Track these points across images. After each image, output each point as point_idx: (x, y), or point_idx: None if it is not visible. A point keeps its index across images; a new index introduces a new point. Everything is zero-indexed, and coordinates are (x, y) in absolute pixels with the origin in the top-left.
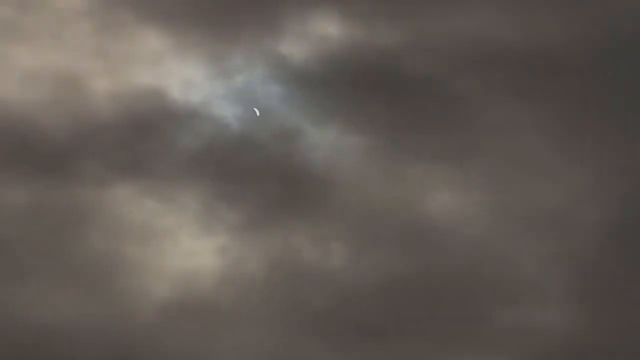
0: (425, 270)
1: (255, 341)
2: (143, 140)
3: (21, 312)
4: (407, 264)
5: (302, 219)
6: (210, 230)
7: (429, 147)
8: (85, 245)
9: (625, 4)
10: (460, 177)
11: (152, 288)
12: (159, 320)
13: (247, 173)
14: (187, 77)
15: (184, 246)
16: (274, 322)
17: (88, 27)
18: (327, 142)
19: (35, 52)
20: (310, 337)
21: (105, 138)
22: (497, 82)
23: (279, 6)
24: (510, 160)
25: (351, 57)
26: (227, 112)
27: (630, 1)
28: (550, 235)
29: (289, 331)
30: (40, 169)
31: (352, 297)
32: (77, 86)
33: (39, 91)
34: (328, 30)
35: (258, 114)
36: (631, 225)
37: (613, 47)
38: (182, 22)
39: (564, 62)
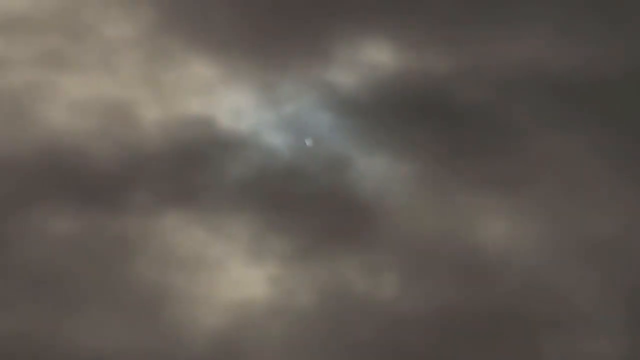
0: (477, 302)
1: None
2: (192, 169)
3: (70, 342)
4: (459, 294)
5: (352, 249)
6: (260, 260)
7: (481, 176)
8: (134, 276)
9: None
10: (512, 206)
11: (201, 318)
12: (208, 351)
13: (296, 202)
14: (236, 105)
15: (233, 276)
16: (322, 352)
17: (137, 56)
18: (377, 171)
19: (85, 81)
20: None
21: (154, 167)
22: (550, 110)
23: (329, 34)
24: (563, 189)
25: (401, 84)
26: (277, 140)
27: None
28: (604, 266)
29: None
30: (89, 199)
31: (402, 329)
32: (127, 115)
33: (88, 121)
34: (378, 57)
35: (309, 144)
36: None
37: None
38: (232, 50)
39: (618, 90)
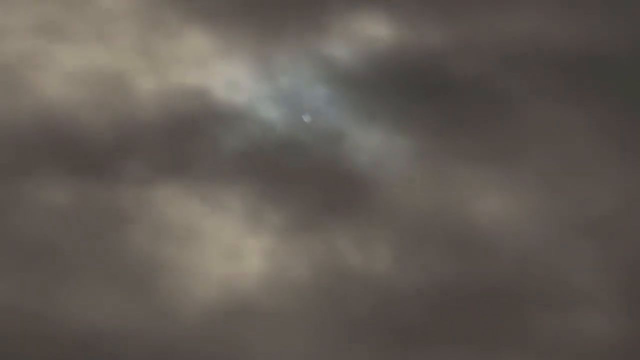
0: (471, 276)
1: (298, 345)
2: (187, 140)
3: (63, 312)
4: (453, 268)
5: (347, 221)
6: (254, 232)
7: (477, 150)
8: (127, 246)
9: None
10: (508, 181)
11: (194, 290)
12: (201, 322)
13: (291, 175)
14: (232, 77)
15: (227, 248)
16: (316, 326)
17: (133, 27)
18: (373, 144)
19: (80, 51)
20: (353, 341)
21: (149, 138)
22: (547, 84)
23: (325, 7)
24: (560, 164)
25: (398, 58)
26: (272, 113)
27: None
28: (600, 241)
29: (331, 335)
30: (83, 168)
31: (396, 302)
32: (122, 86)
33: (83, 91)
34: (374, 31)
35: (307, 120)
36: None
37: None
38: (227, 22)
39: (614, 64)
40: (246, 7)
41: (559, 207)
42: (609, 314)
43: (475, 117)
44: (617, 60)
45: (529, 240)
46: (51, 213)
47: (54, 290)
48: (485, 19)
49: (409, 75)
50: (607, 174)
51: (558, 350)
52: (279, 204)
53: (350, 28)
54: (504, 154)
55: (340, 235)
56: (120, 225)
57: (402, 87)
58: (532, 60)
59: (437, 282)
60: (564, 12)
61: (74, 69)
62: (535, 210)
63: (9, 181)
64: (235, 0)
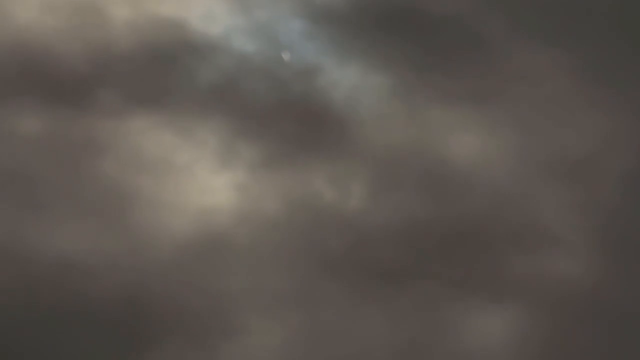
0: (444, 214)
1: (271, 281)
2: (162, 72)
3: (34, 243)
4: (427, 207)
5: (322, 158)
6: (228, 166)
7: (454, 89)
8: (99, 178)
9: None
10: (484, 121)
11: (167, 223)
12: (173, 257)
13: (266, 110)
14: (208, 9)
15: (201, 182)
16: (290, 262)
17: None
18: (349, 81)
19: None
20: (326, 278)
21: (123, 68)
22: (527, 23)
23: None
24: (535, 105)
25: None
26: (248, 47)
27: None
28: (572, 184)
29: (304, 272)
30: (56, 98)
31: (370, 239)
32: (96, 14)
33: (56, 18)
34: None
35: (287, 57)
36: None
37: None
38: None
39: (591, 7)
40: None
41: (535, 148)
42: (581, 258)
43: (453, 56)
44: (595, 2)
45: (504, 180)
46: (23, 142)
47: (25, 221)
48: None
49: (387, 12)
50: (584, 117)
51: (529, 291)
52: (253, 139)
53: None
54: (481, 93)
55: (315, 171)
56: (93, 156)
57: (380, 24)
58: (511, 0)
59: (411, 220)
60: None
61: None
62: (511, 151)
63: None
64: None
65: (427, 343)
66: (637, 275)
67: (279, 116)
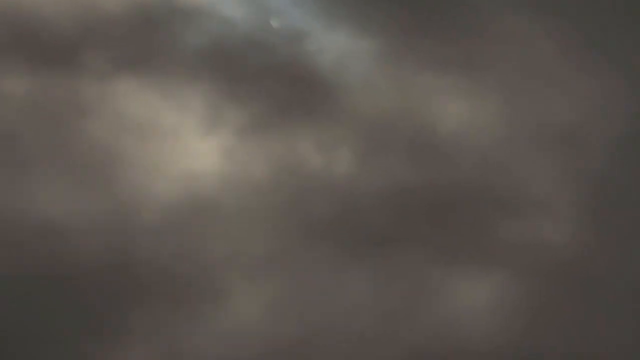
0: (431, 180)
1: (257, 245)
2: (149, 34)
3: (20, 204)
4: (413, 172)
5: (308, 123)
6: (214, 130)
7: (441, 55)
8: (85, 140)
9: None
10: (471, 87)
11: (152, 187)
12: (160, 219)
13: (253, 74)
14: None
15: (187, 146)
16: (276, 226)
17: None
18: (337, 46)
19: None
20: (313, 243)
21: (110, 30)
22: None
23: None
24: (522, 71)
25: None
26: (236, 11)
27: None
28: (559, 149)
29: (290, 236)
30: (42, 59)
31: (356, 205)
32: None
33: None
34: None
35: (275, 24)
36: None
37: None
38: None
39: None
40: None
41: (522, 115)
42: (568, 224)
43: (441, 22)
44: None
45: (491, 147)
46: (9, 103)
47: (11, 182)
48: None
49: None
50: (568, 82)
51: (516, 257)
52: (239, 103)
53: None
54: (468, 59)
55: (302, 137)
56: (79, 118)
57: None
58: None
59: (398, 185)
60: None
61: None
62: (498, 117)
63: None
64: None
65: (413, 307)
66: (623, 241)
67: (267, 81)
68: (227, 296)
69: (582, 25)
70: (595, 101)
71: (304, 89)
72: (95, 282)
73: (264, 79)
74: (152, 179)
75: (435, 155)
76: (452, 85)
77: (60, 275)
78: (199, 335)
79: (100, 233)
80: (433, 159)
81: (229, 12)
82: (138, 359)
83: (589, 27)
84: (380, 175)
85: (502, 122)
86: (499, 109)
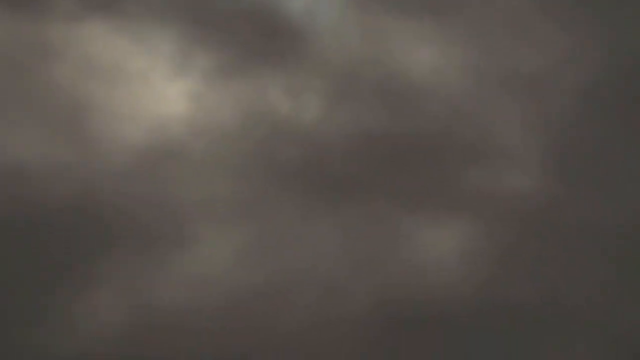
0: (399, 126)
1: (224, 191)
2: None
3: None
4: (381, 119)
5: (277, 68)
6: (183, 75)
7: (410, 1)
8: (51, 84)
9: None
10: (440, 34)
11: (120, 132)
12: (127, 163)
13: (222, 19)
14: None
15: (155, 90)
16: (244, 173)
17: None
18: None
19: None
20: (280, 189)
21: None
22: None
23: None
24: (491, 18)
25: None
26: None
27: None
28: (527, 97)
29: (258, 183)
30: (10, 1)
31: (324, 152)
32: None
33: None
34: None
35: None
36: (610, 91)
37: None
38: None
39: None
40: None
41: (490, 62)
42: (534, 173)
43: None
44: None
45: (459, 94)
46: None
47: None
48: None
49: None
50: (539, 31)
51: (482, 205)
52: (208, 48)
53: None
54: (437, 6)
55: (271, 82)
56: (45, 61)
57: None
58: None
59: (366, 132)
60: None
61: None
62: (466, 64)
63: None
64: None
65: (380, 254)
66: (589, 189)
67: (236, 26)
68: (195, 242)
69: None
70: (563, 49)
71: (273, 34)
72: (62, 228)
73: (233, 24)
74: (119, 123)
75: (403, 101)
76: (421, 32)
77: (26, 221)
78: (167, 282)
79: (67, 179)
80: (401, 105)
81: None
82: (105, 306)
83: None
84: (348, 122)
85: (470, 70)
86: (467, 56)
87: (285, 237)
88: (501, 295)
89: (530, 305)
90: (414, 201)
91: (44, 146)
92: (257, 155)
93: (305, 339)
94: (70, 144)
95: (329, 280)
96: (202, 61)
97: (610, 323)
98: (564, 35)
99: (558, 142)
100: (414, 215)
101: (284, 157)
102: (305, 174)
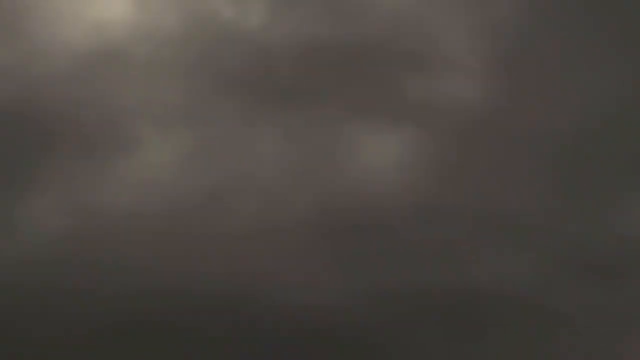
0: (343, 34)
1: (166, 96)
2: None
3: None
4: (326, 26)
5: None
6: None
7: None
8: None
9: None
10: None
11: (61, 35)
12: (69, 66)
13: None
14: None
15: None
16: (186, 78)
17: None
18: None
19: None
20: (223, 95)
21: None
22: None
23: None
24: None
25: None
26: None
27: None
28: (471, 5)
29: (200, 88)
30: None
31: (267, 58)
32: None
33: None
34: None
35: None
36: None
37: None
38: None
39: None
40: None
41: None
42: (477, 81)
43: None
44: None
45: (403, 2)
46: None
47: None
48: None
49: None
50: None
51: (425, 113)
52: None
53: None
54: None
55: None
56: None
57: None
58: None
59: (310, 39)
60: None
61: None
62: None
63: None
64: None
65: (322, 161)
66: (533, 99)
67: None
68: (137, 147)
69: None
70: None
71: None
72: (1, 132)
73: None
74: (61, 26)
75: (348, 9)
76: None
77: None
78: (108, 186)
79: (6, 82)
80: (346, 13)
81: None
82: (46, 209)
83: None
84: (292, 29)
85: None
86: None
87: (227, 143)
88: (441, 204)
89: (469, 215)
90: (356, 109)
91: None
92: (200, 60)
93: (245, 245)
94: (10, 48)
95: (270, 187)
96: None
97: (552, 230)
98: None
99: (503, 50)
100: (356, 124)
101: (226, 63)
102: (249, 80)
